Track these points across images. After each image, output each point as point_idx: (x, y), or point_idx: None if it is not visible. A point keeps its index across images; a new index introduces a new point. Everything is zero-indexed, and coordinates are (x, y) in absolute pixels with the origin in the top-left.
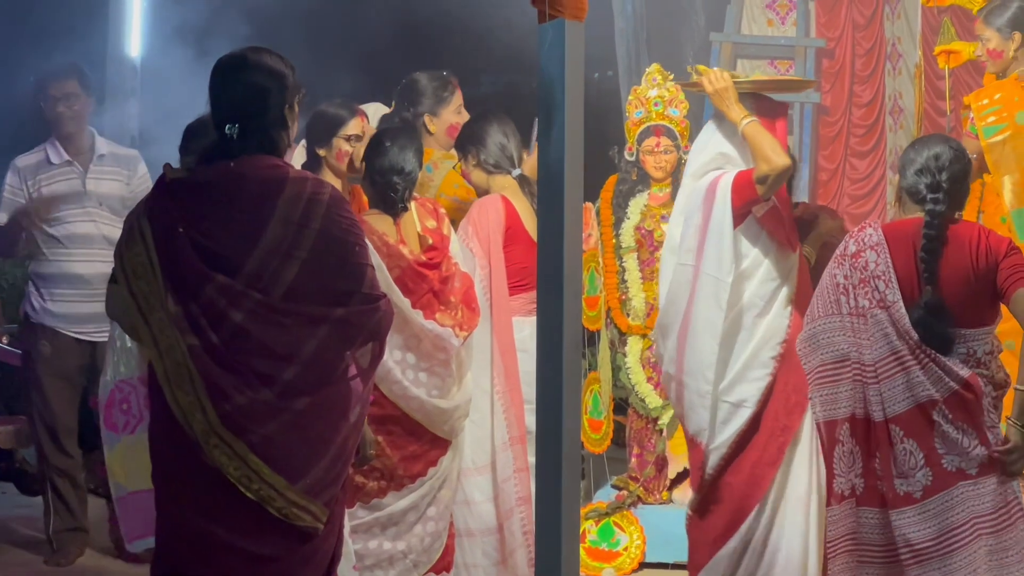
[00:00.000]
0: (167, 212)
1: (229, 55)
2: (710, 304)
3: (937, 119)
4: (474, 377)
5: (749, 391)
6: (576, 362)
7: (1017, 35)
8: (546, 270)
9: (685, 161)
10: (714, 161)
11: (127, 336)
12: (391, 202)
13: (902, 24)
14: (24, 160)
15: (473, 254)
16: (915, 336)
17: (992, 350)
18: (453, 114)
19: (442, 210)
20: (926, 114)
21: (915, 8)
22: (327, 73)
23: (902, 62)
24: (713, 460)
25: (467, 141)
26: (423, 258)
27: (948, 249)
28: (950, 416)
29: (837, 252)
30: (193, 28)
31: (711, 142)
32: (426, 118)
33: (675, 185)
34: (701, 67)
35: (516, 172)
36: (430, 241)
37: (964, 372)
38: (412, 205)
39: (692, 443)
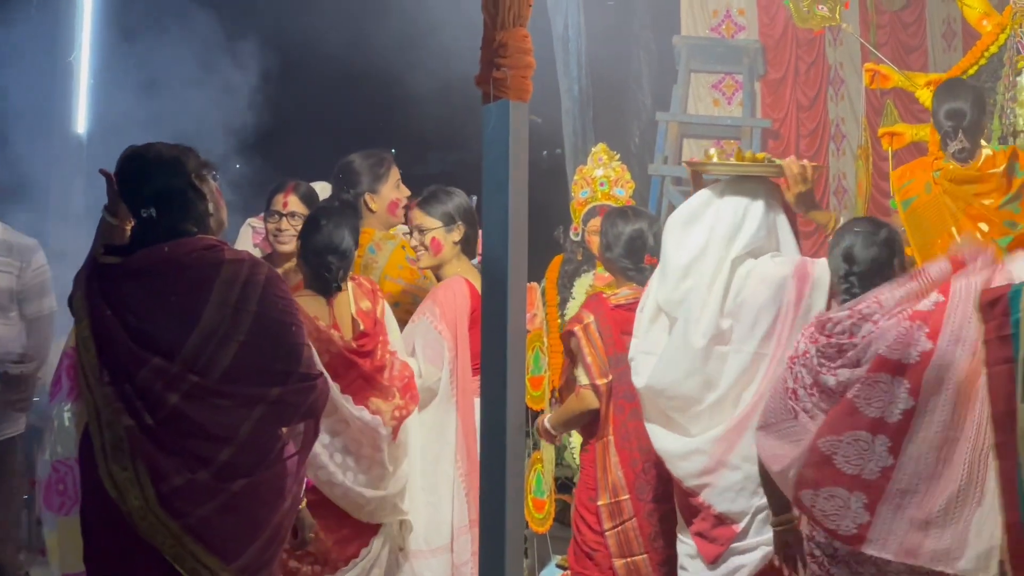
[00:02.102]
0: (99, 294)
1: (127, 150)
2: None
3: (880, 200)
4: (436, 460)
5: None
6: (520, 442)
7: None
8: (489, 350)
9: None
10: (763, 244)
11: (64, 416)
12: (325, 282)
13: (845, 105)
14: None
15: (442, 337)
16: None
17: None
18: (392, 190)
19: (380, 292)
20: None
21: (858, 90)
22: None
23: (845, 143)
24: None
25: (459, 215)
26: (353, 345)
27: None
28: None
29: None
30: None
31: (749, 225)
32: (367, 197)
33: None
34: (775, 159)
35: (475, 260)
36: (362, 327)
37: None
38: (348, 285)
39: (720, 520)
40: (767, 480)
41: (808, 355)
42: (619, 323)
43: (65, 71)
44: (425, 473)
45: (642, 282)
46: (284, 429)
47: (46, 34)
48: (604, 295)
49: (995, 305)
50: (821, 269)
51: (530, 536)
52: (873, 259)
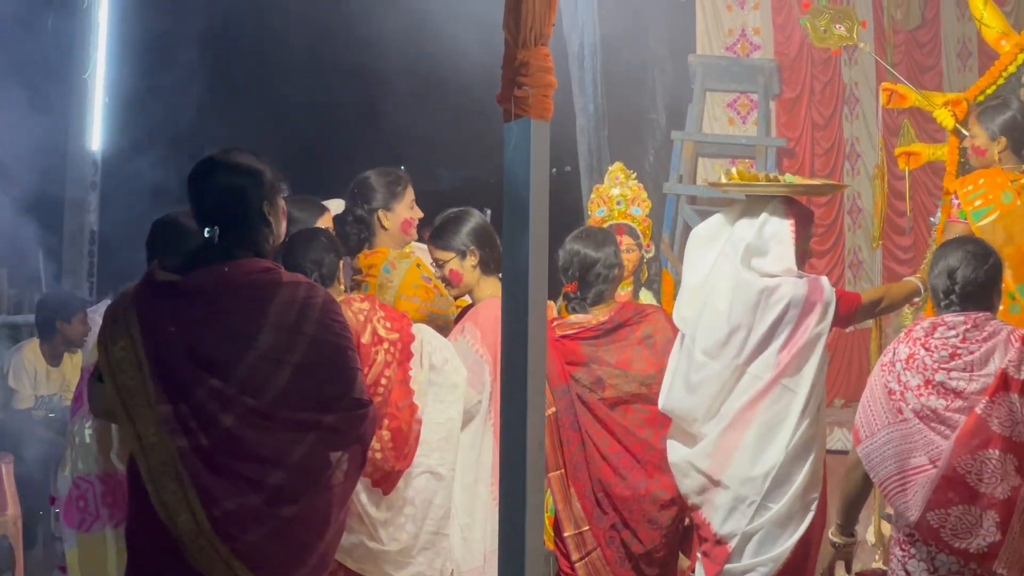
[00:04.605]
0: (156, 311)
1: (204, 159)
2: (779, 413)
3: (895, 219)
4: (474, 482)
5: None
6: (539, 460)
7: (1003, 140)
8: (510, 367)
9: (647, 260)
10: (775, 263)
11: (85, 433)
12: None
13: (860, 125)
14: None
15: (483, 360)
16: None
17: None
18: (407, 209)
19: (376, 315)
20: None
21: (873, 110)
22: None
23: (860, 162)
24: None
25: (471, 240)
26: None
27: None
28: None
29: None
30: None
31: (761, 244)
32: (380, 214)
33: (636, 284)
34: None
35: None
36: None
37: None
38: None
39: (717, 539)
40: (855, 499)
41: (915, 358)
42: (564, 353)
43: (80, 89)
44: (462, 495)
45: (573, 306)
46: (334, 456)
47: (61, 52)
48: (552, 324)
49: None
50: (830, 295)
51: (548, 556)
52: (977, 281)
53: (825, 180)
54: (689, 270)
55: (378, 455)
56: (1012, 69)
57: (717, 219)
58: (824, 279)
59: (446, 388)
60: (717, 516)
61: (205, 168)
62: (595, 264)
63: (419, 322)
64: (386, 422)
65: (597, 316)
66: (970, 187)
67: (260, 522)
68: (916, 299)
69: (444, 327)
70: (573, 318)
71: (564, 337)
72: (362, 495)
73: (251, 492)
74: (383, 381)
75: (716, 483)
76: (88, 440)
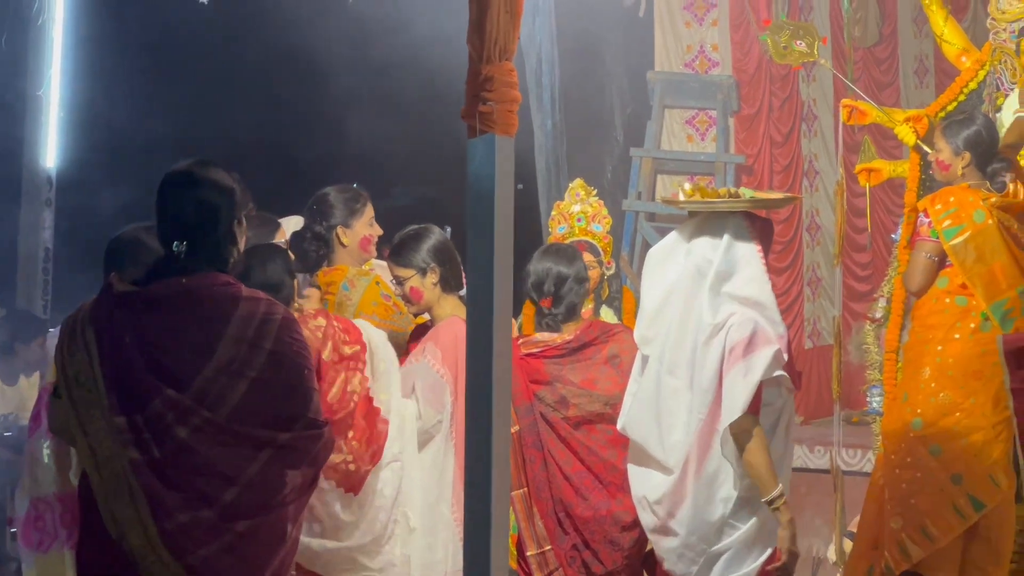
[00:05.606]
0: (113, 322)
1: (176, 170)
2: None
3: (854, 236)
4: (436, 502)
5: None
6: (505, 479)
7: (967, 155)
8: (475, 386)
9: (607, 277)
10: (736, 281)
11: (43, 452)
12: None
13: (818, 142)
14: None
15: (444, 380)
16: None
17: None
18: (366, 226)
19: (334, 328)
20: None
21: (831, 126)
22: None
23: (819, 179)
24: None
25: (431, 257)
26: None
27: None
28: None
29: None
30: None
31: (720, 262)
32: (339, 230)
33: (597, 301)
34: None
35: (463, 291)
36: None
37: None
38: None
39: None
40: None
41: None
42: (528, 372)
43: (35, 105)
44: (424, 515)
45: (544, 322)
46: (288, 474)
47: (15, 68)
48: (517, 342)
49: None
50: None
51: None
52: None
53: (785, 193)
54: (647, 290)
55: (351, 466)
56: (973, 85)
57: (672, 237)
58: (776, 349)
59: (387, 377)
60: (669, 556)
61: (179, 182)
62: (567, 280)
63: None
64: (354, 433)
65: (563, 335)
66: (940, 205)
67: (212, 537)
68: (878, 316)
69: (402, 345)
70: (538, 336)
71: (529, 355)
72: (335, 505)
73: (204, 506)
74: (352, 395)
75: (666, 529)
76: (46, 460)
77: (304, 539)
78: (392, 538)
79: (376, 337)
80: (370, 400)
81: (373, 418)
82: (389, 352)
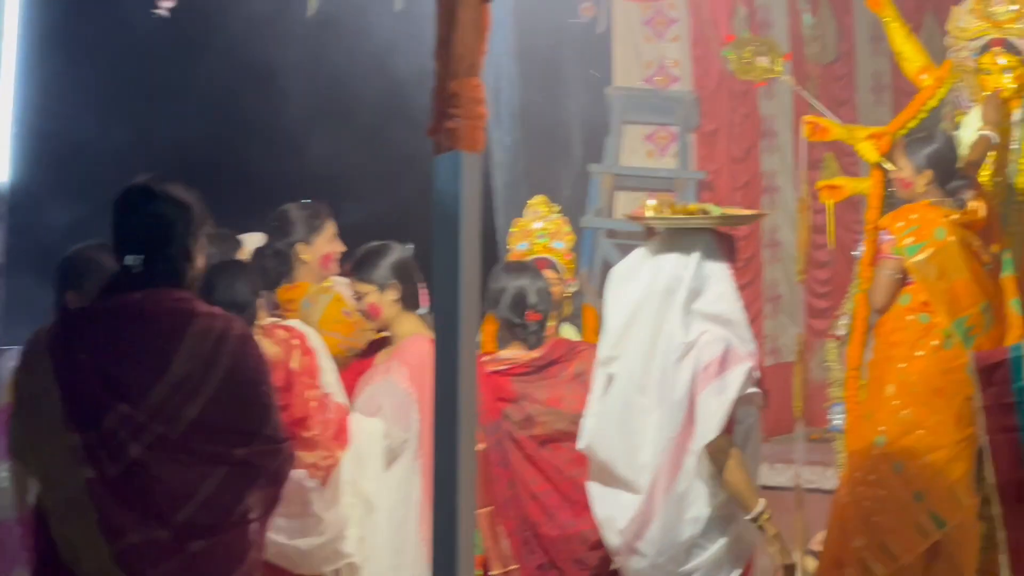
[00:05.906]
0: (69, 339)
1: (133, 185)
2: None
3: (813, 252)
4: (403, 521)
5: None
6: (471, 496)
7: (929, 172)
8: (441, 403)
9: (569, 294)
10: (705, 299)
11: (2, 475)
12: None
13: (777, 159)
14: None
15: (411, 398)
16: None
17: None
18: (327, 243)
19: (299, 339)
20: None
21: (791, 143)
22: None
23: (778, 195)
24: None
25: (392, 274)
26: None
27: None
28: None
29: None
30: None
31: (688, 279)
32: (299, 247)
33: (559, 318)
34: None
35: (423, 310)
36: None
37: None
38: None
39: None
40: None
41: None
42: (494, 389)
43: None
44: (391, 534)
45: (525, 338)
46: (246, 492)
47: None
48: (483, 359)
49: (994, 371)
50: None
51: None
52: None
53: (755, 210)
54: (612, 308)
55: (329, 460)
56: (933, 103)
57: (638, 254)
58: (749, 366)
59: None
60: None
61: (135, 196)
62: (549, 295)
63: (338, 357)
64: (323, 428)
65: (530, 352)
66: (902, 223)
67: (167, 557)
68: (841, 333)
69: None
70: (504, 354)
71: (495, 373)
72: (318, 503)
73: (158, 526)
74: (312, 402)
75: (632, 550)
76: (5, 483)
77: (291, 542)
78: (350, 520)
79: (305, 327)
80: (327, 398)
81: (327, 402)
82: (317, 337)
